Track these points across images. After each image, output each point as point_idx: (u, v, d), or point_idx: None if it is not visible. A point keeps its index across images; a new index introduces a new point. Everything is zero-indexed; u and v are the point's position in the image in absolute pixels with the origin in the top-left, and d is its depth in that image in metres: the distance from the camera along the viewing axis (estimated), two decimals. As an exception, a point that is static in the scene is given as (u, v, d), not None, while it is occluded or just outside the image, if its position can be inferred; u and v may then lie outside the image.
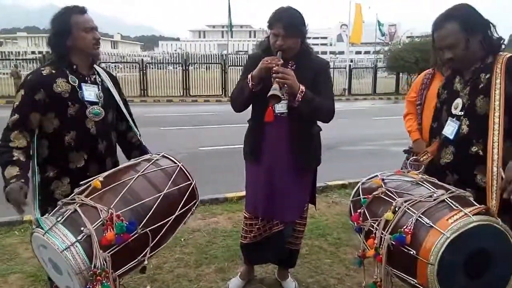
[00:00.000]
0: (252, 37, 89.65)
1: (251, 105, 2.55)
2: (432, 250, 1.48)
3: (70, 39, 1.96)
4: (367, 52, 44.63)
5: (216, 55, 23.36)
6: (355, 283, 2.91)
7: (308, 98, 2.30)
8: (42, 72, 1.96)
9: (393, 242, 1.64)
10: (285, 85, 2.27)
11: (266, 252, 2.72)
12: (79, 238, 1.53)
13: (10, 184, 1.69)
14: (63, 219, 1.59)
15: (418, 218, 1.60)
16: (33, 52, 34.45)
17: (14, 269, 3.01)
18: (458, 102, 1.93)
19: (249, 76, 2.38)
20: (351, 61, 23.83)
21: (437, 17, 1.92)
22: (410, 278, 1.59)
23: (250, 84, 2.38)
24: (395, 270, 1.69)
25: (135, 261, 1.71)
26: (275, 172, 2.50)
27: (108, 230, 1.58)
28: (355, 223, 1.94)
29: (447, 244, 1.46)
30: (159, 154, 2.06)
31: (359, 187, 2.11)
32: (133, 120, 2.27)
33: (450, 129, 1.95)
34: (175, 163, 2.02)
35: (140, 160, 2.01)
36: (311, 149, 2.56)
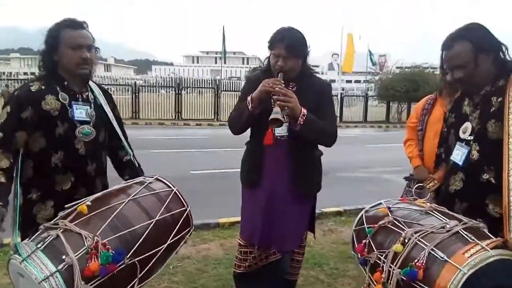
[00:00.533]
0: (245, 63, 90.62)
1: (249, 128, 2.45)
2: (448, 287, 1.36)
3: (57, 55, 1.86)
4: (357, 81, 45.30)
5: (209, 80, 23.44)
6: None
7: (310, 122, 2.21)
8: (31, 87, 1.83)
9: (403, 277, 1.51)
10: (286, 108, 2.18)
11: (261, 283, 2.56)
12: (59, 267, 1.40)
13: None
14: (44, 245, 1.46)
15: (431, 251, 1.48)
16: (25, 73, 34.34)
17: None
18: (467, 126, 1.85)
19: (249, 98, 2.29)
20: (343, 89, 24.07)
21: (447, 37, 1.86)
22: (423, 318, 1.46)
23: (250, 107, 2.28)
24: None
25: None
26: (274, 197, 2.38)
27: (93, 259, 1.45)
28: (359, 254, 1.82)
29: (464, 280, 1.34)
30: (152, 177, 1.94)
31: (362, 215, 1.99)
32: (126, 138, 2.16)
33: (459, 155, 1.86)
34: (170, 187, 1.91)
35: (132, 182, 1.89)
36: (312, 174, 2.45)
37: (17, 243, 1.47)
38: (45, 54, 1.87)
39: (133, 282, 1.62)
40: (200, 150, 10.45)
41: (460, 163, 1.83)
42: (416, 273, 1.46)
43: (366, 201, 5.51)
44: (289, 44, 2.24)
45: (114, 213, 1.62)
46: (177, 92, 19.53)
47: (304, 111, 2.20)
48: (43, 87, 1.84)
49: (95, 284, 1.45)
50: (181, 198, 1.89)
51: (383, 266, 1.64)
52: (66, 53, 1.85)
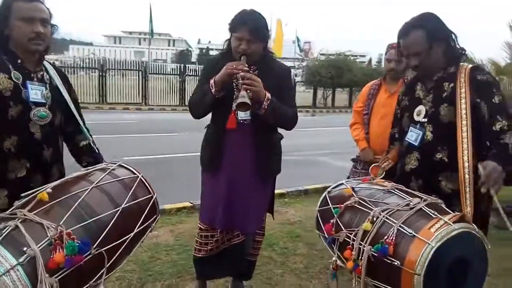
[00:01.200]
0: (171, 45, 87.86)
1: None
2: (418, 260, 1.47)
3: (8, 28, 1.68)
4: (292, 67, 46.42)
5: (135, 62, 22.37)
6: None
7: (274, 106, 2.23)
8: None
9: (374, 253, 1.60)
10: (249, 92, 2.16)
11: (223, 265, 2.57)
12: (20, 260, 1.29)
13: None
14: (1, 237, 1.33)
15: (399, 228, 1.58)
16: None
17: None
18: (421, 109, 1.99)
19: (211, 81, 2.24)
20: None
21: (403, 25, 1.97)
22: (393, 289, 1.57)
23: (213, 90, 2.23)
24: (375, 282, 1.65)
25: (86, 286, 1.48)
26: (236, 181, 2.38)
27: (57, 250, 1.35)
28: (327, 234, 1.89)
29: (433, 253, 1.46)
30: (115, 163, 1.84)
31: (325, 196, 2.07)
32: (83, 122, 2.00)
33: (413, 136, 1.99)
34: (134, 173, 1.83)
35: (94, 169, 1.78)
36: (274, 157, 2.48)
37: None
38: None
39: (100, 273, 1.53)
40: (131, 136, 10.04)
41: (416, 144, 1.97)
42: (387, 249, 1.55)
43: (306, 183, 5.72)
44: (253, 27, 2.21)
45: (78, 201, 1.52)
46: (101, 74, 18.44)
47: (268, 95, 2.21)
48: None
49: (60, 277, 1.35)
50: (147, 184, 1.81)
51: (353, 244, 1.72)
52: (17, 25, 1.67)
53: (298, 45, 26.62)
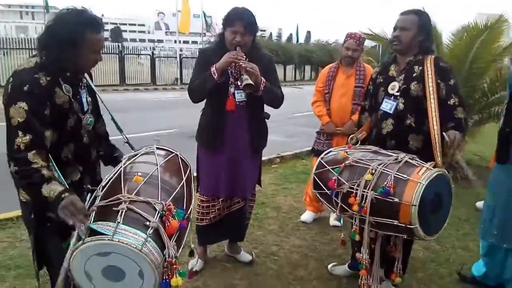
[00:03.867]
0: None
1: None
2: (414, 195, 2.03)
3: (74, 53, 1.71)
4: (194, 42, 45.60)
5: (23, 39, 20.00)
6: (292, 246, 3.41)
7: (268, 88, 2.63)
8: (40, 81, 1.66)
9: (377, 196, 2.13)
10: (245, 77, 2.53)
11: (223, 230, 2.95)
12: (149, 232, 1.50)
13: (65, 198, 1.53)
14: (122, 219, 1.51)
15: (396, 175, 2.14)
16: None
17: None
18: (395, 84, 2.53)
19: (213, 69, 2.56)
20: (181, 51, 24.12)
21: (407, 9, 2.53)
22: (392, 220, 2.11)
23: (215, 77, 2.55)
24: (376, 218, 2.18)
25: (182, 245, 1.73)
26: (236, 154, 2.75)
27: (169, 220, 1.59)
28: (331, 188, 2.37)
29: (424, 189, 2.04)
30: (152, 146, 2.06)
31: (321, 161, 2.54)
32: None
33: (388, 106, 2.54)
34: (172, 152, 2.07)
35: (140, 153, 1.97)
36: (263, 131, 2.89)
37: (91, 225, 1.49)
38: (60, 46, 1.68)
39: (188, 231, 1.78)
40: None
41: (391, 112, 2.52)
42: (389, 190, 2.10)
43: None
44: (248, 22, 2.58)
45: (159, 180, 1.75)
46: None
47: (263, 79, 2.59)
48: (48, 78, 1.69)
49: (174, 240, 1.60)
50: (183, 158, 2.08)
51: (356, 192, 2.23)
52: (86, 55, 1.74)
53: (205, 20, 26.46)
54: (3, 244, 3.33)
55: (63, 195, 1.55)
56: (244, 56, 2.55)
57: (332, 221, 3.85)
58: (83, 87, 1.89)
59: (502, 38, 4.83)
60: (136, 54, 22.38)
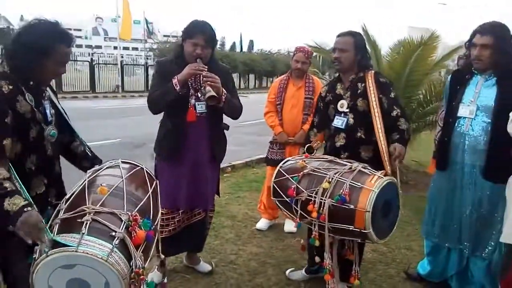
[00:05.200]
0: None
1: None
2: (367, 201, 2.19)
3: (42, 63, 1.72)
4: (135, 49, 44.57)
5: None
6: (250, 253, 3.49)
7: (229, 99, 2.70)
8: (2, 89, 1.65)
9: (334, 203, 2.27)
10: (204, 88, 2.59)
11: (183, 242, 2.94)
12: (115, 242, 1.51)
13: (24, 213, 1.49)
14: (87, 230, 1.51)
15: (350, 183, 2.29)
16: None
17: None
18: (343, 102, 2.72)
19: (175, 80, 2.58)
20: (122, 57, 23.50)
21: (342, 32, 2.70)
22: (348, 226, 2.25)
23: (178, 88, 2.57)
24: (334, 224, 2.32)
25: (150, 256, 1.74)
26: (197, 166, 2.78)
27: (136, 230, 1.60)
28: (290, 196, 2.47)
29: (376, 196, 2.20)
30: (117, 159, 2.06)
31: (279, 170, 2.65)
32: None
33: (339, 122, 2.72)
34: (137, 165, 2.08)
35: (105, 167, 1.98)
36: (224, 143, 2.94)
37: (55, 237, 1.47)
38: (28, 56, 1.68)
39: (155, 244, 1.80)
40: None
41: (342, 127, 2.70)
42: (345, 198, 2.24)
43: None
44: (209, 35, 2.64)
45: (125, 191, 1.75)
46: None
47: (224, 90, 2.65)
48: (10, 87, 1.67)
49: (140, 251, 1.60)
50: (150, 173, 2.11)
51: (314, 200, 2.36)
52: (53, 66, 1.75)
53: (147, 26, 26.00)
54: None
55: (25, 209, 1.51)
56: (206, 68, 2.59)
57: (287, 227, 3.97)
58: (45, 99, 1.87)
59: (434, 53, 5.29)
60: (73, 60, 21.45)
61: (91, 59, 21.66)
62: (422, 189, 5.00)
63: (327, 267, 2.46)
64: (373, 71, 2.72)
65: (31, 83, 1.77)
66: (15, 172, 1.63)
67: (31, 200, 1.60)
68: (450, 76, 2.95)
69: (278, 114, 3.82)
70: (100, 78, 21.12)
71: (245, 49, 42.38)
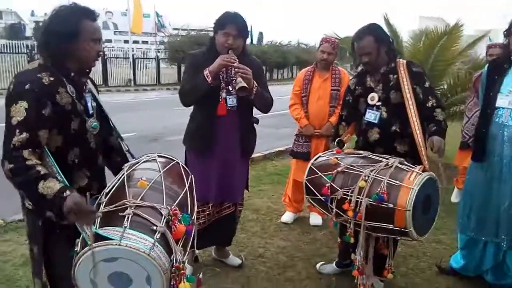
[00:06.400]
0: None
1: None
2: (407, 200, 2.16)
3: (75, 46, 1.72)
4: (145, 42, 44.55)
5: None
6: (277, 247, 3.49)
7: (260, 92, 2.67)
8: (43, 80, 1.66)
9: (372, 202, 2.24)
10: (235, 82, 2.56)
11: (213, 236, 2.94)
12: (157, 237, 1.50)
13: (68, 197, 1.48)
14: (129, 224, 1.50)
15: (388, 181, 2.25)
16: None
17: None
18: (374, 95, 2.65)
19: (206, 72, 2.57)
20: (133, 51, 23.51)
21: (356, 32, 2.60)
22: (387, 225, 2.23)
23: (209, 80, 2.56)
24: (371, 223, 2.29)
25: (188, 251, 1.73)
26: (227, 160, 2.78)
27: (176, 224, 1.59)
28: (325, 195, 2.44)
29: (416, 194, 2.17)
30: (153, 153, 2.05)
31: (311, 167, 2.62)
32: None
33: (372, 116, 2.66)
34: (172, 159, 2.06)
35: (142, 161, 1.96)
36: (253, 137, 2.93)
37: (97, 231, 1.47)
38: (59, 42, 1.68)
39: (192, 239, 1.77)
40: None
41: (375, 121, 2.64)
42: (383, 197, 2.21)
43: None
44: (241, 25, 2.61)
45: (163, 186, 1.74)
46: None
47: (255, 83, 2.63)
48: (51, 78, 1.68)
49: (180, 245, 1.60)
50: (184, 167, 2.08)
51: (350, 198, 2.33)
52: (86, 45, 1.73)
53: (159, 20, 25.94)
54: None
55: (64, 194, 1.51)
56: (237, 59, 2.56)
57: (313, 220, 3.96)
58: (87, 91, 1.87)
59: (458, 42, 5.19)
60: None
61: (104, 53, 21.68)
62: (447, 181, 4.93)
63: (357, 264, 2.44)
64: (405, 61, 2.64)
65: (72, 74, 1.77)
66: (56, 165, 1.64)
67: (67, 182, 1.61)
68: (487, 66, 2.87)
69: (303, 106, 3.77)
70: (113, 72, 21.16)
71: (254, 41, 42.12)
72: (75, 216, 1.47)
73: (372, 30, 2.59)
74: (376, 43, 2.55)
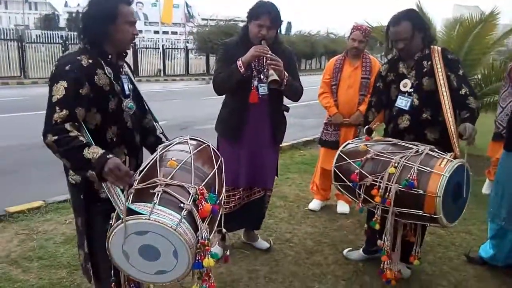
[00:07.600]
0: (33, 9, 77.10)
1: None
2: (437, 186, 2.16)
3: (112, 28, 1.83)
4: (174, 33, 45.12)
5: (7, 29, 19.44)
6: (305, 233, 3.56)
7: (291, 82, 2.72)
8: (82, 62, 1.78)
9: (401, 188, 2.26)
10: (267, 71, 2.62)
11: (242, 219, 3.04)
12: (184, 214, 1.57)
13: (109, 159, 1.61)
14: (158, 201, 1.59)
15: (418, 168, 2.27)
16: None
17: None
18: (407, 82, 2.64)
19: (239, 62, 2.64)
20: (163, 42, 23.86)
21: (393, 16, 2.59)
22: (417, 211, 2.24)
23: (242, 70, 2.63)
24: (400, 209, 2.31)
25: (214, 229, 1.79)
26: (257, 146, 2.85)
27: (202, 203, 1.66)
28: (354, 181, 2.47)
29: (447, 180, 2.18)
30: (185, 136, 2.12)
31: (340, 154, 2.65)
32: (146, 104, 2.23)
33: (403, 103, 2.66)
34: (204, 142, 2.13)
35: (175, 143, 2.05)
36: (284, 124, 2.99)
37: (130, 206, 1.57)
38: (97, 25, 1.80)
39: (219, 219, 1.84)
40: (10, 115, 8.92)
41: (406, 108, 2.64)
42: (414, 183, 2.23)
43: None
44: (274, 16, 2.65)
45: (192, 166, 1.82)
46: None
47: (286, 73, 2.68)
48: (90, 61, 1.80)
49: (207, 223, 1.67)
50: (215, 149, 2.15)
51: (379, 185, 2.35)
52: (123, 28, 1.83)
53: (188, 10, 26.18)
54: (20, 237, 3.37)
55: (108, 156, 1.63)
56: (269, 50, 2.62)
57: (340, 208, 4.00)
58: (123, 73, 1.98)
59: (494, 31, 5.04)
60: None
61: (135, 43, 22.11)
62: (477, 173, 4.85)
63: (385, 248, 2.46)
64: (439, 48, 2.61)
65: (110, 57, 1.88)
66: (93, 142, 1.73)
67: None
68: None
69: (333, 95, 3.79)
70: (143, 63, 21.58)
71: (283, 31, 41.84)
72: (114, 176, 1.60)
73: (410, 15, 2.58)
74: (412, 29, 2.53)
